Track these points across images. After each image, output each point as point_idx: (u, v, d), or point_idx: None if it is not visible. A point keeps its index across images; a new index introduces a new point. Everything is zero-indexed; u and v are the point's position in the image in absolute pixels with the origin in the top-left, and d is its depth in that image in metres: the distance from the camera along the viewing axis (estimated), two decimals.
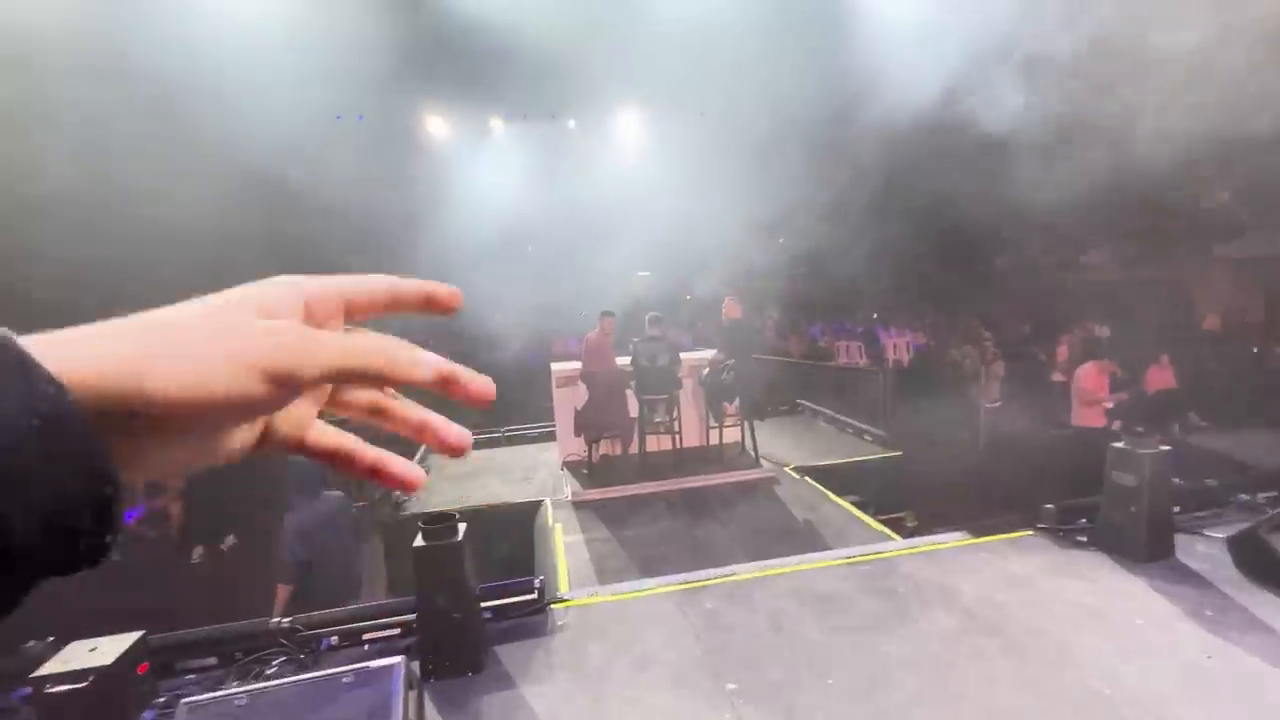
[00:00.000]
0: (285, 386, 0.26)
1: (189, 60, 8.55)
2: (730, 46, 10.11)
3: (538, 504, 5.96)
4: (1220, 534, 3.26)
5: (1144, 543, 3.17)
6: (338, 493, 4.95)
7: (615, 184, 13.97)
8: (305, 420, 0.31)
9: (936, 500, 6.62)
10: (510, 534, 5.91)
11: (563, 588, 4.01)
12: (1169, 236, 10.37)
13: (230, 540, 6.88)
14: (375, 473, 0.32)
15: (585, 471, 6.45)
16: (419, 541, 2.61)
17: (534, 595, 3.06)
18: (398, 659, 2.05)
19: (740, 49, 10.06)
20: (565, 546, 4.98)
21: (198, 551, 6.69)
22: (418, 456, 7.42)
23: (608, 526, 5.37)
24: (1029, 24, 7.35)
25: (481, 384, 0.32)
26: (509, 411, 9.26)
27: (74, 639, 2.71)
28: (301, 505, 4.26)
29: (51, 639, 3.25)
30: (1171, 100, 5.84)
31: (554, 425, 8.19)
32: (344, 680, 1.99)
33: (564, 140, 14.48)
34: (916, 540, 3.75)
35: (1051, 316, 10.58)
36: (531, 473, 6.95)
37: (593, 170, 13.74)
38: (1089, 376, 5.51)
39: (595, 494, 6.01)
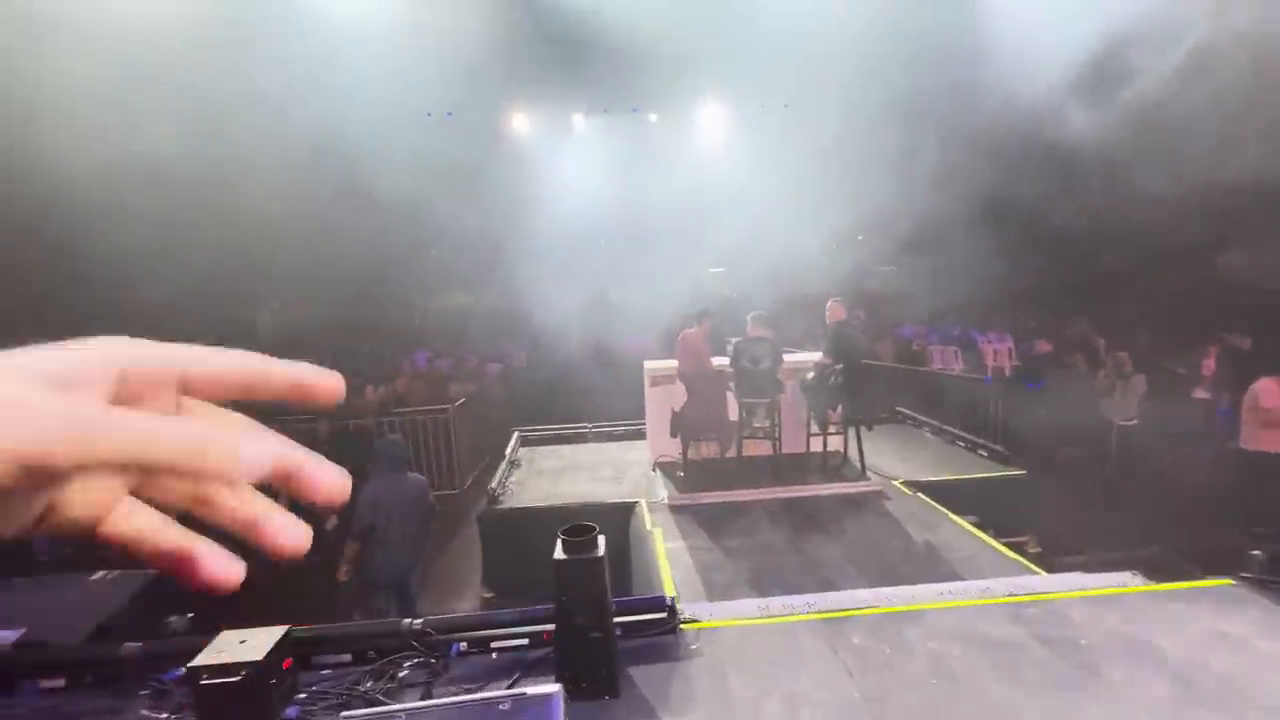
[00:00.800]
0: (33, 475, 0.23)
1: (295, 56, 8.91)
2: (818, 38, 9.63)
3: (633, 505, 5.80)
4: None
5: None
6: (419, 477, 5.14)
7: (695, 178, 13.74)
8: (100, 504, 0.26)
9: (1064, 525, 6.03)
10: (605, 535, 5.78)
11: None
12: None
13: (333, 521, 7.12)
14: (182, 567, 0.28)
15: (681, 474, 6.25)
16: (559, 554, 2.46)
17: (665, 615, 2.86)
18: (556, 688, 1.88)
19: (829, 40, 9.56)
20: (667, 553, 4.79)
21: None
22: (507, 453, 7.43)
23: (708, 534, 5.15)
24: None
25: (332, 482, 0.29)
26: (578, 407, 9.25)
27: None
28: (379, 478, 4.50)
29: (191, 614, 3.34)
30: None
31: (643, 424, 8.06)
32: (500, 707, 1.85)
33: (645, 134, 14.35)
34: (1084, 579, 3.30)
35: (1177, 324, 9.47)
36: (622, 472, 6.81)
37: (673, 164, 13.55)
38: (1271, 394, 4.79)
39: (691, 498, 5.81)
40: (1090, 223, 10.61)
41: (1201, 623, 2.76)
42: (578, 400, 9.90)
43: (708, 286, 13.06)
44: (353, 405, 8.86)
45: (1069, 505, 6.30)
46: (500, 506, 5.91)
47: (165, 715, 2.45)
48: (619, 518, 5.73)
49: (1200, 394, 7.53)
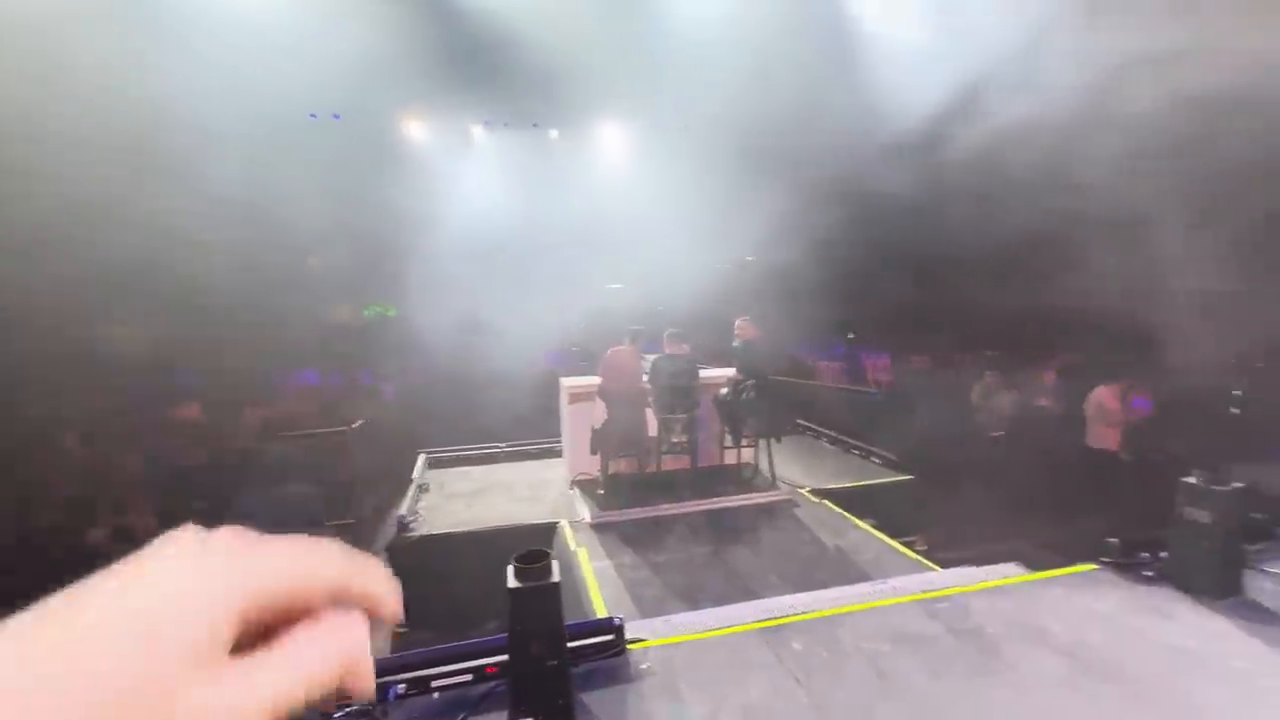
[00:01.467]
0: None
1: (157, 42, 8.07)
2: (714, 64, 10.20)
3: (554, 525, 5.70)
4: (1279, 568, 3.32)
5: (1217, 580, 3.19)
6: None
7: (595, 196, 13.89)
8: None
9: (948, 524, 6.67)
10: None
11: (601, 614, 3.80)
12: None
13: None
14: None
15: (600, 491, 6.22)
16: (512, 582, 2.36)
17: (612, 637, 2.83)
18: None
19: (724, 66, 10.15)
20: (595, 572, 4.74)
21: None
22: (414, 476, 7.05)
23: (633, 550, 5.17)
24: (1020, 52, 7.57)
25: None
26: (483, 426, 9.00)
27: None
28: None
29: None
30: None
31: (557, 441, 7.96)
32: None
33: (545, 150, 14.32)
34: (975, 573, 3.68)
35: (1022, 341, 10.86)
36: (539, 491, 6.67)
37: (572, 181, 13.62)
38: (1111, 398, 5.63)
39: (614, 515, 5.80)
40: (955, 250, 11.91)
41: (1078, 604, 3.18)
42: (481, 419, 9.60)
43: (607, 303, 13.20)
44: (229, 427, 8.03)
45: (949, 506, 6.98)
46: (411, 534, 5.57)
47: None
48: (541, 539, 5.59)
49: (1043, 402, 8.63)
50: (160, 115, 8.26)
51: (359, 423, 7.94)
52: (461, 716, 2.38)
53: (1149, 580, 3.40)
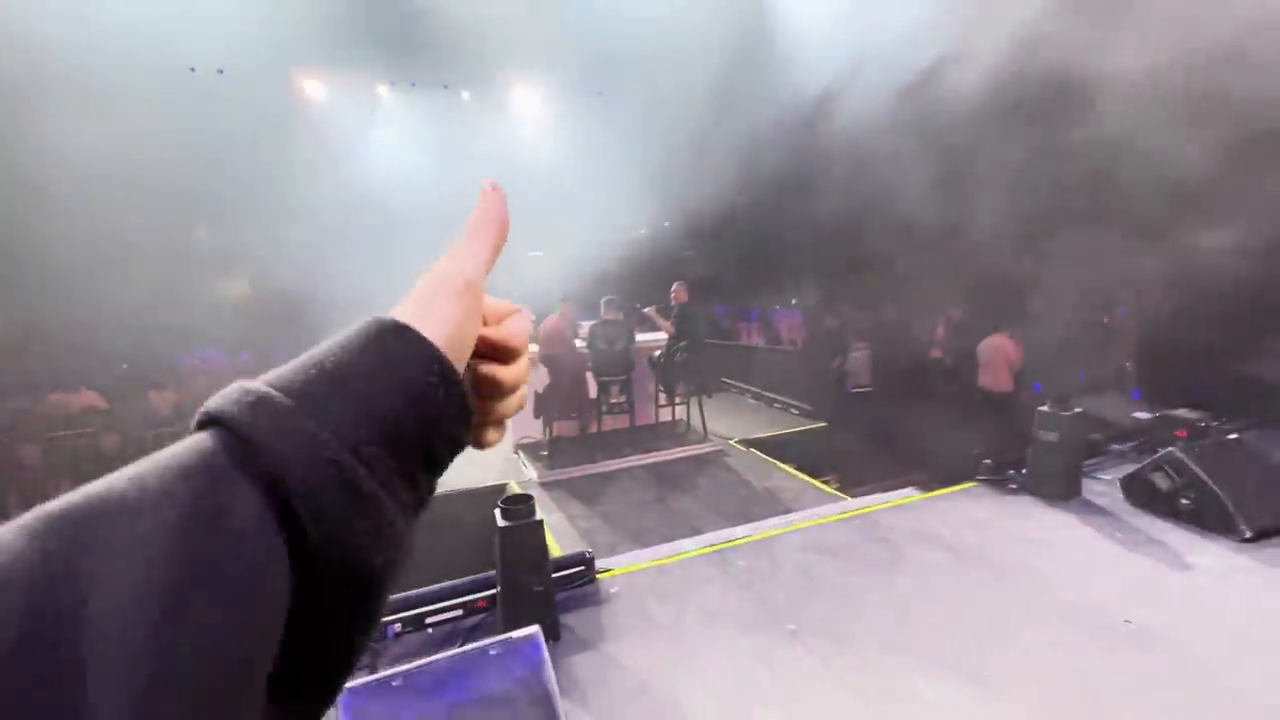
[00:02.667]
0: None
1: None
2: (627, 28, 10.32)
3: (503, 487, 5.96)
4: (1108, 476, 4.20)
5: (1063, 486, 4.00)
6: None
7: (510, 160, 13.70)
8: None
9: (858, 464, 7.52)
10: (479, 519, 5.86)
11: None
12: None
13: None
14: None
15: (544, 453, 6.52)
16: (501, 522, 2.68)
17: (584, 568, 3.22)
18: (535, 629, 2.16)
19: (639, 32, 10.31)
20: (550, 526, 5.08)
21: None
22: None
23: (582, 503, 5.54)
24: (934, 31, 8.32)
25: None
26: None
27: None
28: None
29: None
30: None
31: None
32: (491, 652, 2.08)
33: (457, 112, 13.89)
34: (888, 495, 4.36)
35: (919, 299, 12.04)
36: (483, 456, 6.85)
37: (486, 145, 13.36)
38: (1008, 343, 6.48)
39: (560, 474, 6.13)
40: (856, 213, 12.85)
41: (960, 513, 3.90)
42: None
43: (525, 270, 13.21)
44: (139, 413, 7.60)
45: (859, 448, 7.84)
46: None
47: None
48: (490, 500, 5.83)
49: (935, 354, 9.69)
50: (25, 62, 7.38)
51: None
52: (459, 643, 2.69)
53: (1014, 491, 4.20)
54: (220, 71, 11.55)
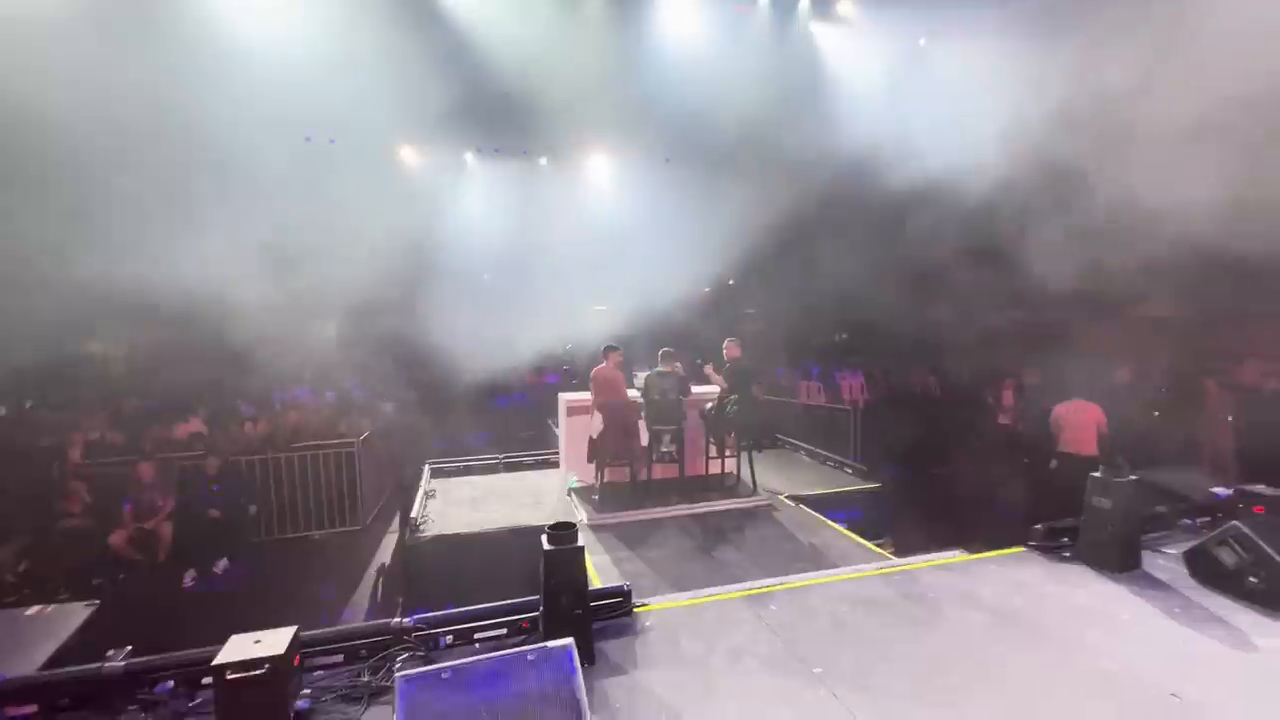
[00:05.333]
0: None
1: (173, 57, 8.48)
2: (697, 101, 11.01)
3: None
4: (1174, 550, 4.01)
5: (1118, 556, 3.87)
6: None
7: (581, 221, 14.55)
8: None
9: (915, 527, 7.31)
10: (531, 555, 6.11)
11: None
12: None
13: (223, 564, 6.80)
14: None
15: (595, 497, 6.77)
16: (547, 546, 2.95)
17: (622, 599, 3.41)
18: (569, 641, 2.39)
19: (707, 104, 10.98)
20: (595, 566, 5.28)
21: (189, 575, 6.57)
22: (422, 484, 7.56)
23: (628, 547, 5.71)
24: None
25: None
26: (483, 439, 9.52)
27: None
28: None
29: (130, 647, 3.35)
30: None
31: (551, 453, 8.51)
32: (529, 658, 2.32)
33: (535, 177, 14.98)
34: (931, 555, 4.32)
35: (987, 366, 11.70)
36: (538, 498, 7.20)
37: (560, 207, 14.28)
38: (1095, 411, 6.37)
39: (609, 518, 6.34)
40: (919, 278, 12.81)
41: (1005, 576, 3.84)
42: (479, 433, 10.13)
43: (591, 324, 13.80)
44: (236, 440, 8.41)
45: (914, 511, 7.64)
46: (423, 535, 6.06)
47: None
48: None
49: (1003, 420, 9.37)
50: (161, 135, 8.60)
51: (365, 435, 8.40)
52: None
53: (1066, 559, 4.08)
54: (331, 141, 13.09)
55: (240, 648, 2.54)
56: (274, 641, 2.57)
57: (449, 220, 13.26)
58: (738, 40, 11.54)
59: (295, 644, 2.64)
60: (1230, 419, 7.45)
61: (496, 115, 12.28)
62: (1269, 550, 3.38)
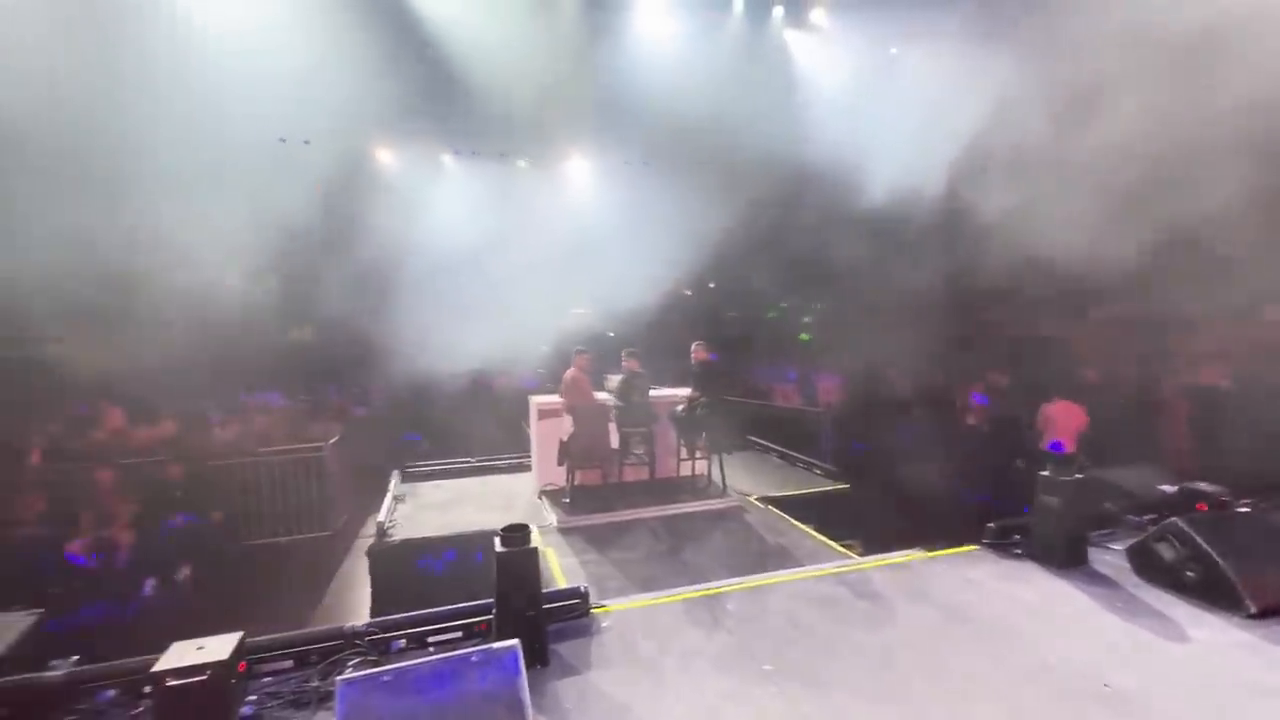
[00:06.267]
0: None
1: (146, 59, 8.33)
2: (675, 103, 11.11)
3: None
4: (1120, 546, 4.14)
5: (1065, 553, 3.98)
6: None
7: (560, 224, 14.55)
8: None
9: (878, 528, 7.42)
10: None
11: None
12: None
13: (185, 571, 6.68)
14: None
15: (566, 500, 6.77)
16: (499, 548, 2.96)
17: (579, 601, 3.43)
18: (514, 642, 2.41)
19: (685, 106, 11.08)
20: (562, 568, 5.29)
21: (150, 583, 6.44)
22: (390, 488, 7.50)
23: (597, 550, 5.73)
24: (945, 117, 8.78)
25: None
26: (456, 441, 9.49)
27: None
28: None
29: (76, 657, 3.29)
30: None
31: (524, 456, 8.49)
32: (472, 659, 2.33)
33: (513, 179, 14.95)
34: (886, 555, 4.41)
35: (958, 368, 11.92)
36: (509, 500, 7.19)
37: (539, 209, 14.26)
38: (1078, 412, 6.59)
39: (579, 520, 6.35)
40: (893, 283, 13.03)
41: (955, 574, 3.93)
42: (451, 436, 10.07)
43: (570, 326, 13.80)
44: (202, 444, 8.26)
45: (881, 512, 7.75)
46: (391, 539, 6.01)
47: None
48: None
49: (970, 420, 9.54)
50: (132, 136, 8.43)
51: (334, 439, 8.31)
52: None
53: (1017, 556, 4.19)
54: (306, 142, 12.94)
55: (182, 654, 2.52)
56: (218, 648, 2.55)
57: (424, 221, 13.17)
58: (713, 46, 11.68)
59: (240, 650, 2.62)
60: (1187, 418, 7.70)
61: (474, 117, 12.25)
62: (1205, 545, 3.50)
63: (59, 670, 3.16)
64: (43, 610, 3.35)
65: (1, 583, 5.65)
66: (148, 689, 2.52)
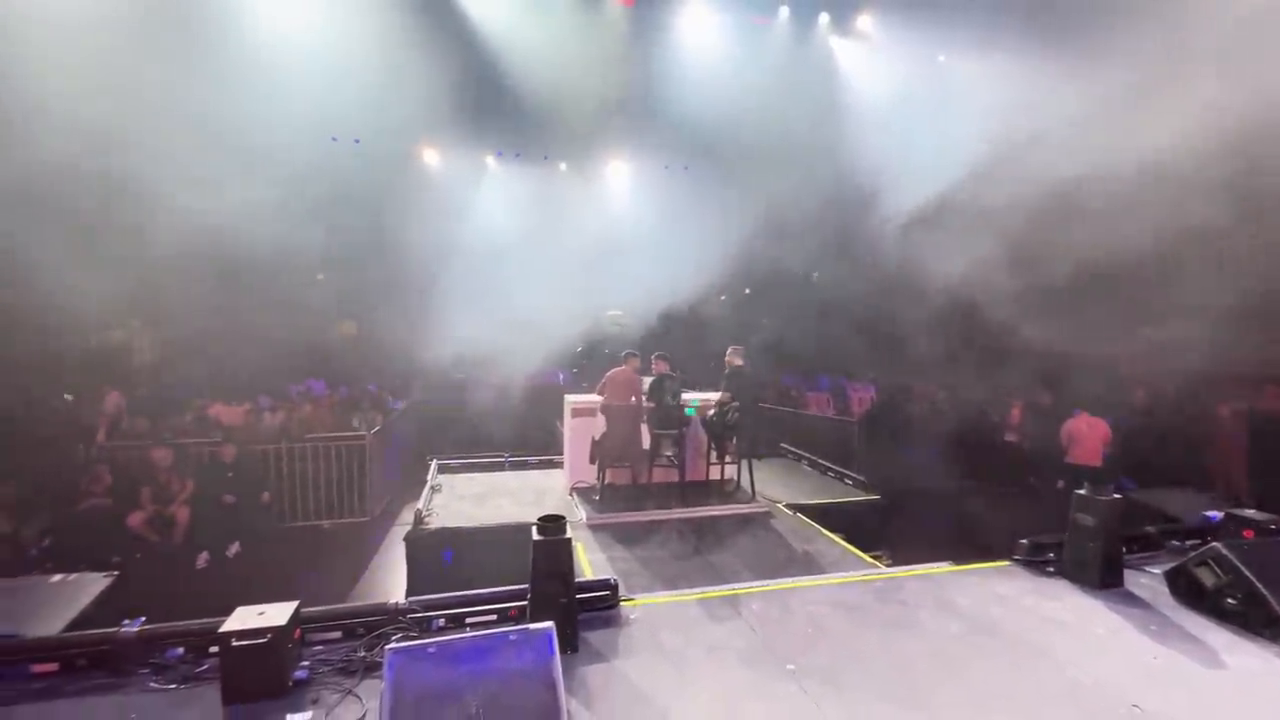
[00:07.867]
0: None
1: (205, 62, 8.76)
2: (717, 110, 11.17)
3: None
4: (1158, 569, 4.06)
5: (1099, 573, 3.92)
6: None
7: (599, 226, 14.72)
8: None
9: (911, 541, 7.34)
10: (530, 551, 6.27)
11: None
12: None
13: (235, 548, 7.05)
14: None
15: (596, 498, 6.91)
16: (536, 536, 3.10)
17: (609, 593, 3.55)
18: (549, 624, 2.54)
19: (728, 114, 11.13)
20: (590, 563, 5.42)
21: (203, 557, 6.83)
22: (429, 478, 7.76)
23: (624, 547, 5.84)
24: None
25: None
26: (489, 438, 9.75)
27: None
28: None
29: (143, 618, 3.55)
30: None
31: (557, 455, 8.67)
32: (510, 638, 2.47)
33: (554, 181, 15.21)
34: (915, 566, 4.41)
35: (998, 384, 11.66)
36: (541, 496, 7.35)
37: (579, 211, 14.47)
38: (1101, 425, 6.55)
39: (608, 518, 6.47)
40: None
41: (986, 588, 3.91)
42: (486, 431, 10.34)
43: (606, 328, 13.98)
44: (254, 429, 8.67)
45: (913, 525, 7.66)
46: (427, 526, 6.25)
47: (174, 685, 2.75)
48: None
49: (1010, 437, 9.35)
50: (190, 132, 8.83)
51: (376, 429, 8.64)
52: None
53: (1049, 574, 4.14)
54: (357, 141, 13.41)
55: (245, 618, 2.73)
56: (277, 614, 2.76)
57: (469, 221, 13.51)
58: (758, 52, 11.72)
59: (296, 618, 2.82)
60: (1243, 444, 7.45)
61: (518, 120, 12.52)
62: (1246, 572, 3.42)
63: (131, 627, 3.44)
64: (117, 573, 3.63)
65: (70, 548, 6.08)
66: (213, 649, 2.73)
